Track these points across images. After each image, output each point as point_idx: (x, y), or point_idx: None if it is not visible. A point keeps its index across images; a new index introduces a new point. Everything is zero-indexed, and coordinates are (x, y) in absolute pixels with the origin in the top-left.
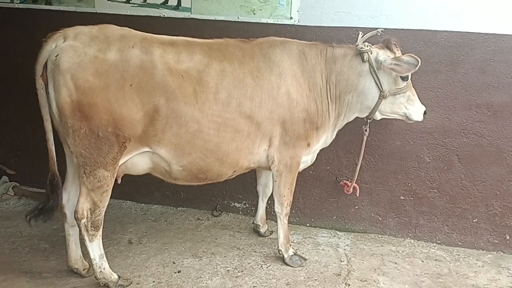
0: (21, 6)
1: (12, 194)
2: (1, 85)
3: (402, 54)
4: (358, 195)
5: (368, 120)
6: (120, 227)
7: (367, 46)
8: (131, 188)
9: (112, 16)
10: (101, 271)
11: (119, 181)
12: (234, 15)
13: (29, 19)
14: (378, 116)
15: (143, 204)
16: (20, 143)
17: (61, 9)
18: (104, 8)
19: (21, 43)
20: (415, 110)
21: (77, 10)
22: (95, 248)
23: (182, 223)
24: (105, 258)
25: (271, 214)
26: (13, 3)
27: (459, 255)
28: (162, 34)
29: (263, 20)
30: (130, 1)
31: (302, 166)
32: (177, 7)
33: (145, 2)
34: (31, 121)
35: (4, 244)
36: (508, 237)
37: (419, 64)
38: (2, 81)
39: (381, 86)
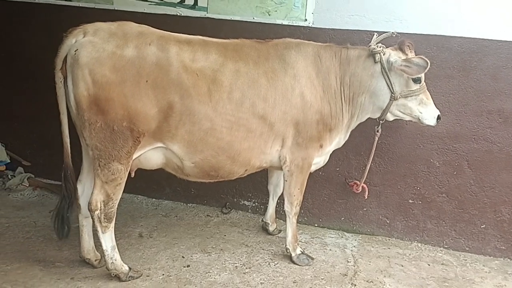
0: (42, 1)
1: (27, 185)
2: (20, 79)
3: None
4: (366, 197)
5: (380, 121)
6: (131, 220)
7: (379, 47)
8: (142, 183)
9: (129, 13)
10: (112, 262)
11: (132, 175)
12: (250, 16)
13: (49, 15)
14: (390, 117)
15: (154, 199)
16: (36, 136)
17: (80, 5)
18: (122, 5)
19: (40, 38)
20: (428, 114)
21: (95, 7)
22: (108, 240)
23: (192, 219)
24: (116, 249)
25: (279, 213)
26: None
27: (466, 260)
28: (178, 33)
29: (278, 21)
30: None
31: (314, 167)
32: (194, 6)
33: (162, 0)
34: (47, 115)
35: (18, 233)
36: None
37: (429, 66)
38: (21, 75)
39: (392, 88)
